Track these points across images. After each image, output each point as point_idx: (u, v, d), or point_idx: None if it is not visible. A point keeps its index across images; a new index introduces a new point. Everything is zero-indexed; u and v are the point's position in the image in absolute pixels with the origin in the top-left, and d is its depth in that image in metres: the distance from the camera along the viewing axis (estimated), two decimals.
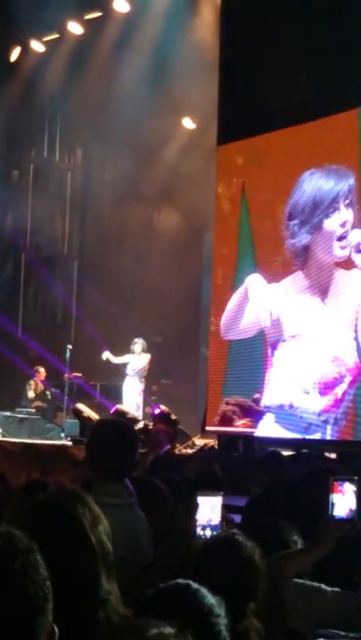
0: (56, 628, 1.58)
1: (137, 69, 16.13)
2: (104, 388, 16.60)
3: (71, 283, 19.70)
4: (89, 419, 13.38)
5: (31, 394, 16.56)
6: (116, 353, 15.65)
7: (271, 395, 11.67)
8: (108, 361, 15.60)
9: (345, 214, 11.07)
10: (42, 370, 16.88)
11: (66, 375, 16.02)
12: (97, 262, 19.49)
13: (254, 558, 2.86)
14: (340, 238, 11.04)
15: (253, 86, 12.34)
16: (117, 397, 15.36)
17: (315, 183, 11.36)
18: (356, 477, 3.57)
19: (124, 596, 2.33)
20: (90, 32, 17.12)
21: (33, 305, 19.60)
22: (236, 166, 12.73)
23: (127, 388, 15.30)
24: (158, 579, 2.87)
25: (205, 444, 12.73)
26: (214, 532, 3.20)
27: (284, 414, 11.46)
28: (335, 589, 3.39)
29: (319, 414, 11.07)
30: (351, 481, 3.54)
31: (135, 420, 12.96)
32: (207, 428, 12.75)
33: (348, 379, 10.84)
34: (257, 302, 12.00)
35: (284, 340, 11.66)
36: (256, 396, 11.90)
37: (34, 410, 15.87)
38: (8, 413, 15.41)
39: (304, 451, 10.00)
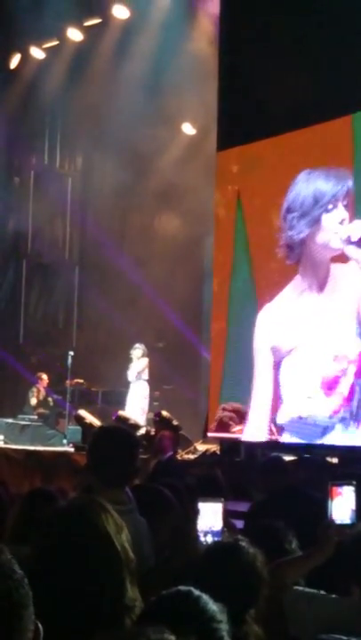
0: (40, 626, 1.59)
1: (137, 75, 16.15)
2: (106, 394, 16.60)
3: (72, 289, 19.71)
4: (91, 425, 13.36)
5: (34, 400, 16.55)
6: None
7: (280, 413, 11.62)
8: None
9: (343, 213, 11.08)
10: (44, 376, 16.88)
11: (68, 381, 16.02)
12: (98, 268, 19.50)
13: (256, 564, 2.86)
14: (338, 232, 11.06)
15: (252, 93, 12.35)
16: (119, 403, 15.35)
17: (315, 180, 11.36)
18: (354, 482, 3.56)
19: None
20: (89, 38, 17.15)
21: (34, 311, 19.60)
22: (232, 173, 12.76)
23: (132, 394, 15.29)
24: (160, 585, 2.87)
25: (207, 450, 12.71)
26: (215, 538, 3.19)
27: (297, 426, 11.41)
28: (334, 596, 3.39)
29: (331, 416, 11.05)
30: (350, 485, 3.53)
31: (137, 426, 12.95)
32: (208, 434, 12.74)
33: (352, 371, 10.82)
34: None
35: (283, 357, 11.64)
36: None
37: (36, 417, 15.87)
38: (10, 420, 15.41)
39: (306, 456, 9.98)
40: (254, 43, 12.34)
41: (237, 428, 12.03)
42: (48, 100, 18.13)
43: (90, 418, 13.94)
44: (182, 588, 2.12)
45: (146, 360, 15.34)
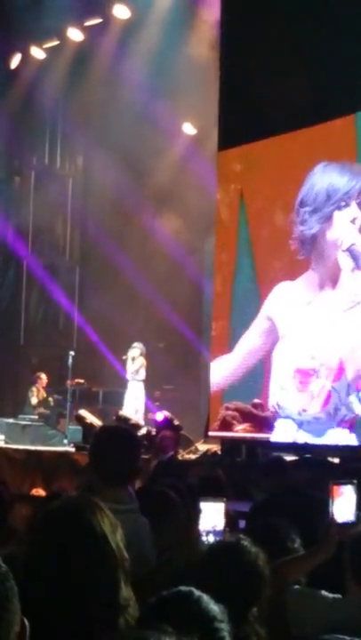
0: (26, 622, 1.60)
1: (137, 75, 16.14)
2: (107, 394, 16.60)
3: (73, 289, 19.71)
4: (92, 425, 13.36)
5: (34, 400, 16.56)
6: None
7: (269, 398, 11.72)
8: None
9: (355, 211, 11.03)
10: (43, 376, 16.88)
11: (68, 382, 16.03)
12: (99, 268, 19.50)
13: (258, 564, 2.86)
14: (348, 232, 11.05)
15: (252, 92, 12.35)
16: (120, 403, 15.36)
17: (330, 174, 11.28)
18: (355, 481, 3.55)
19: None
20: (90, 38, 17.14)
21: (35, 312, 19.60)
22: (235, 173, 12.74)
23: (127, 393, 15.32)
24: (161, 585, 2.86)
25: (208, 450, 12.71)
26: (217, 538, 3.18)
27: (280, 415, 11.49)
28: (336, 596, 3.38)
29: (299, 413, 11.14)
30: (351, 484, 3.53)
31: (138, 426, 12.95)
32: (209, 434, 12.74)
33: (325, 373, 10.87)
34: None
35: (276, 342, 11.70)
36: (256, 400, 11.90)
37: (36, 416, 15.87)
38: (11, 420, 15.41)
39: (307, 456, 9.98)
40: (255, 41, 12.33)
41: (240, 427, 12.03)
42: (49, 100, 18.13)
43: (90, 418, 13.94)
44: (183, 588, 2.12)
45: (142, 360, 15.33)
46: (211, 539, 3.19)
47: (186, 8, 15.61)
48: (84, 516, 2.27)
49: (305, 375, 11.12)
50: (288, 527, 3.85)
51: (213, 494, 3.52)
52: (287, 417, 11.40)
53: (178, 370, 17.70)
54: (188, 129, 18.07)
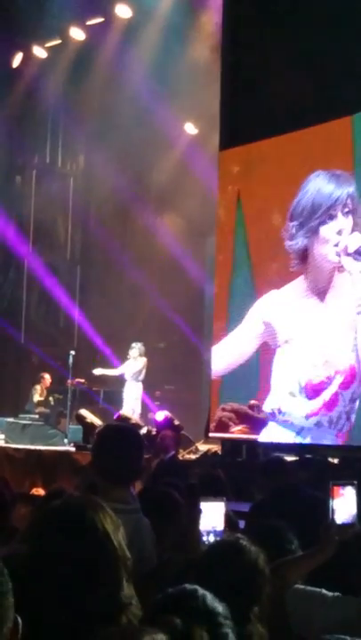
0: (19, 619, 1.60)
1: (139, 74, 16.15)
2: (107, 393, 16.60)
3: (74, 288, 19.71)
4: (92, 425, 13.36)
5: (36, 397, 16.57)
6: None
7: (266, 401, 11.70)
8: (103, 375, 15.66)
9: (342, 222, 11.05)
10: (47, 376, 16.90)
11: (69, 381, 16.03)
12: (99, 268, 19.52)
13: (258, 562, 2.86)
14: (336, 245, 11.04)
15: (254, 93, 12.38)
16: (120, 403, 15.36)
17: (316, 186, 11.34)
18: (355, 482, 3.56)
19: None
20: (92, 38, 17.14)
21: (36, 311, 19.60)
22: (232, 174, 12.75)
23: (125, 393, 15.32)
24: (162, 584, 2.87)
25: (209, 450, 12.72)
26: (217, 538, 3.19)
27: (277, 419, 11.49)
28: (336, 594, 3.39)
29: (307, 417, 11.11)
30: (351, 485, 3.53)
31: (138, 426, 12.94)
32: (210, 435, 12.74)
33: (338, 381, 10.84)
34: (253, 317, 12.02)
35: (278, 346, 11.68)
36: (252, 402, 11.90)
37: (37, 416, 15.87)
38: (11, 419, 15.40)
39: (308, 456, 9.98)
40: (257, 43, 12.36)
41: (237, 428, 12.03)
42: (50, 99, 18.15)
43: (91, 417, 13.93)
44: (188, 585, 2.13)
45: (144, 360, 15.32)
46: (211, 538, 3.20)
47: (188, 8, 15.62)
48: (86, 514, 2.28)
49: (319, 383, 11.09)
50: (286, 529, 3.85)
51: (214, 494, 3.53)
52: (285, 422, 11.39)
53: (179, 370, 17.71)
54: (190, 129, 18.08)
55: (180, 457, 11.88)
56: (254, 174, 12.32)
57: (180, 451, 12.31)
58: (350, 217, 11.00)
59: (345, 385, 10.78)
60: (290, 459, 8.48)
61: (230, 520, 3.93)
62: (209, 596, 2.09)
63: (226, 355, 12.36)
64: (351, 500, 3.52)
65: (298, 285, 11.53)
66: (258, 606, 2.77)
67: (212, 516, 3.26)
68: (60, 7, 15.76)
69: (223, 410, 12.21)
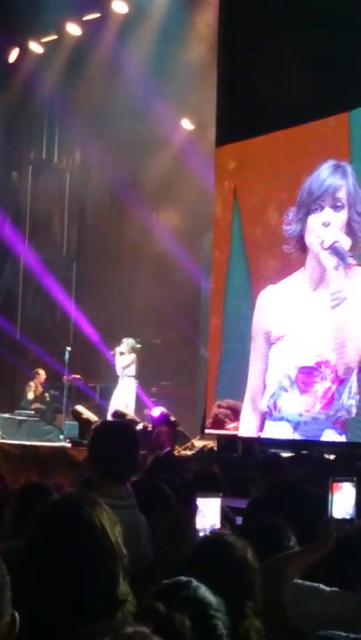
0: (17, 614, 1.60)
1: (135, 70, 16.12)
2: (103, 389, 16.58)
3: (70, 284, 19.69)
4: (88, 421, 13.37)
5: (31, 395, 16.56)
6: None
7: (263, 397, 11.71)
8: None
9: (328, 214, 11.06)
10: (42, 372, 16.89)
11: (65, 377, 16.02)
12: (96, 263, 19.49)
13: (247, 557, 2.85)
14: (318, 237, 11.09)
15: (250, 89, 12.36)
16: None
17: (318, 173, 11.29)
18: (355, 478, 3.58)
19: None
20: (88, 33, 17.11)
21: (32, 307, 19.58)
22: (229, 170, 12.74)
23: (117, 388, 15.32)
24: (158, 580, 2.85)
25: (205, 446, 12.72)
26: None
27: (273, 416, 11.51)
28: (334, 589, 3.39)
29: (300, 414, 11.13)
30: (350, 482, 3.55)
31: (134, 422, 12.94)
32: (206, 431, 12.74)
33: (331, 375, 10.85)
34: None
35: (273, 343, 11.69)
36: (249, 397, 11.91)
37: (33, 412, 15.86)
38: (7, 415, 15.40)
39: (304, 452, 9.98)
40: (253, 39, 12.34)
41: (232, 425, 12.03)
42: (46, 94, 18.12)
43: (87, 413, 13.95)
44: (183, 577, 2.14)
45: (132, 356, 15.30)
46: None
47: (184, 4, 15.59)
48: (83, 510, 2.28)
49: (309, 375, 11.07)
50: (283, 525, 3.85)
51: (209, 490, 3.52)
52: (282, 419, 11.39)
53: (175, 366, 17.71)
54: (187, 125, 18.06)
55: (175, 453, 11.87)
56: (251, 170, 12.31)
57: (176, 447, 12.32)
58: (343, 211, 10.98)
59: (338, 380, 10.80)
60: (286, 455, 8.47)
61: (227, 516, 3.92)
62: (203, 588, 2.10)
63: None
64: (350, 496, 3.54)
65: (296, 278, 11.52)
66: (252, 601, 2.76)
67: (207, 513, 3.25)
68: (56, 2, 15.72)
69: (219, 407, 12.21)
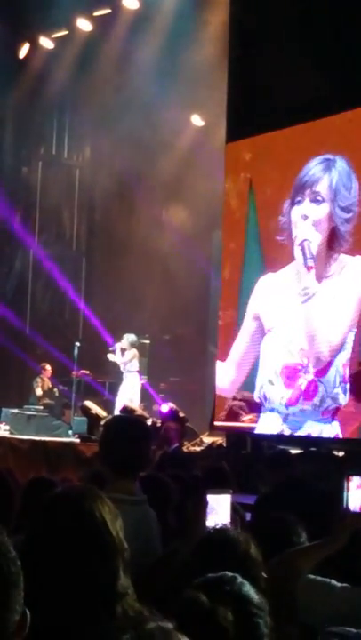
0: (28, 612, 1.60)
1: (146, 66, 16.11)
2: (112, 385, 16.59)
3: (79, 279, 19.71)
4: (97, 416, 13.38)
5: (39, 391, 16.57)
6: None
7: (255, 388, 11.83)
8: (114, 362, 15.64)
9: (306, 207, 11.17)
10: (48, 367, 16.90)
11: (74, 372, 16.03)
12: (105, 259, 19.51)
13: (250, 551, 2.84)
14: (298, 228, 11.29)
15: (262, 84, 12.30)
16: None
17: (307, 166, 11.40)
18: None
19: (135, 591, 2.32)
20: (99, 29, 17.11)
21: (41, 302, 19.60)
22: (245, 162, 12.68)
23: (123, 384, 15.35)
24: (168, 576, 2.86)
25: (213, 442, 12.72)
26: None
27: (265, 407, 11.63)
28: (345, 585, 3.39)
29: (286, 406, 11.26)
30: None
31: (143, 418, 12.96)
32: (215, 423, 12.72)
33: (311, 369, 10.99)
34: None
35: (265, 334, 11.82)
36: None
37: (42, 407, 15.88)
38: (16, 410, 15.42)
39: (313, 449, 9.98)
40: (265, 33, 12.28)
41: (247, 417, 12.01)
42: (57, 90, 18.11)
43: (96, 409, 13.96)
44: (228, 573, 2.14)
45: (133, 351, 15.31)
46: None
47: (195, 0, 15.58)
48: (84, 502, 2.29)
49: (292, 372, 11.21)
50: (294, 521, 3.85)
51: (218, 486, 3.53)
52: (272, 410, 11.49)
53: (183, 362, 17.71)
54: (197, 120, 18.05)
55: (184, 449, 11.89)
56: (266, 162, 12.24)
57: (185, 443, 12.32)
58: (323, 205, 11.04)
59: (321, 372, 10.87)
60: (295, 451, 8.47)
61: (237, 512, 3.93)
62: (247, 586, 2.10)
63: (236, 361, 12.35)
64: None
65: (288, 269, 11.61)
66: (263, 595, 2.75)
67: (218, 509, 3.26)
68: None
69: (234, 399, 12.20)
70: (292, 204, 11.42)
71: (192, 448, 12.63)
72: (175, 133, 17.47)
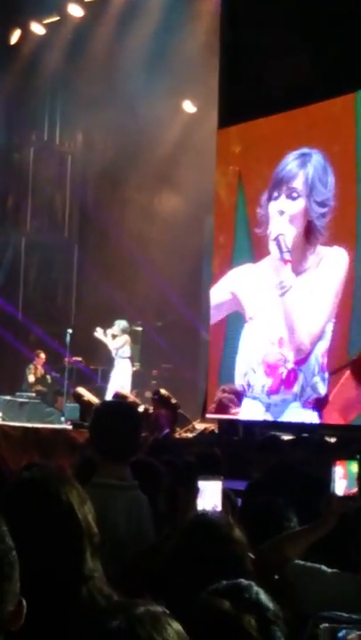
0: (24, 602, 1.60)
1: (137, 52, 16.05)
2: (105, 372, 16.60)
3: (72, 267, 19.69)
4: (89, 403, 13.37)
5: (31, 378, 16.57)
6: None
7: (238, 376, 11.93)
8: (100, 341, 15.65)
9: (283, 203, 11.33)
10: (42, 354, 16.89)
11: (66, 359, 16.03)
12: (97, 246, 19.48)
13: (232, 533, 2.84)
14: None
15: (253, 70, 12.28)
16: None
17: (284, 161, 11.46)
18: (358, 456, 3.62)
19: (125, 576, 2.33)
20: (90, 14, 17.03)
21: (33, 289, 19.58)
22: (234, 154, 12.66)
23: (114, 370, 15.36)
24: (160, 561, 2.87)
25: (206, 429, 12.74)
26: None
27: (247, 395, 11.76)
28: (335, 570, 3.41)
29: (268, 395, 11.41)
30: (354, 460, 3.59)
31: (135, 404, 12.96)
32: (207, 416, 12.76)
33: (291, 358, 11.15)
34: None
35: (246, 322, 11.93)
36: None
37: (34, 394, 15.88)
38: (8, 397, 15.42)
39: (304, 435, 10.00)
40: (256, 18, 12.24)
41: (236, 410, 12.05)
42: (48, 76, 18.05)
43: (88, 395, 13.95)
44: (243, 581, 2.15)
45: (125, 337, 15.32)
46: None
47: None
48: (50, 485, 2.31)
49: (273, 360, 11.37)
50: (285, 506, 3.87)
51: (210, 472, 3.54)
52: (255, 398, 11.57)
53: (176, 348, 17.72)
54: (188, 106, 18.01)
55: (177, 435, 11.91)
56: (255, 154, 12.24)
57: (177, 429, 12.34)
58: (299, 200, 11.14)
59: (301, 361, 10.97)
60: (286, 437, 8.50)
61: (229, 498, 3.94)
62: (263, 594, 2.11)
63: None
64: (352, 474, 3.57)
65: (267, 261, 11.67)
66: (244, 577, 2.76)
67: (209, 495, 3.27)
68: None
69: (223, 391, 12.22)
70: (270, 198, 11.49)
71: (184, 434, 12.65)
72: (167, 120, 17.43)
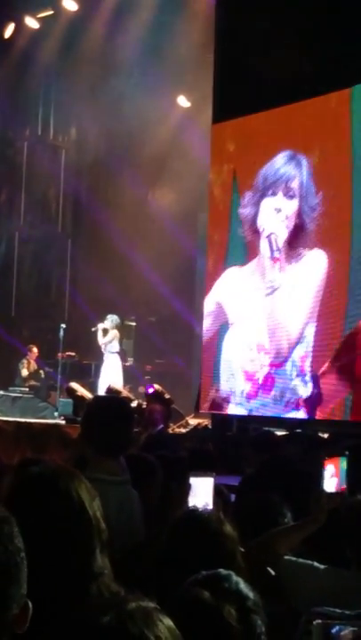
0: (30, 604, 1.58)
1: (132, 46, 16.02)
2: (98, 367, 16.59)
3: (65, 261, 19.67)
4: (82, 398, 13.36)
5: (24, 372, 16.56)
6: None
7: (223, 383, 12.05)
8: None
9: (280, 201, 11.33)
10: (34, 349, 16.89)
11: (59, 354, 16.02)
12: (91, 240, 19.45)
13: (222, 528, 2.83)
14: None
15: (248, 65, 12.24)
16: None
17: (274, 161, 11.46)
18: (347, 453, 3.63)
19: (115, 572, 2.32)
20: (85, 8, 16.99)
21: (27, 283, 19.55)
22: (228, 152, 12.62)
23: (103, 365, 15.38)
24: (151, 557, 2.86)
25: (199, 424, 12.73)
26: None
27: (231, 400, 11.86)
28: (327, 567, 3.41)
29: (248, 399, 11.54)
30: (342, 456, 3.61)
31: (128, 399, 12.95)
32: (201, 411, 12.77)
33: (267, 362, 11.24)
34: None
35: (229, 327, 12.04)
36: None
37: (27, 389, 15.87)
38: (1, 392, 15.41)
39: (297, 430, 10.00)
40: (251, 13, 12.22)
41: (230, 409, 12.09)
42: (42, 70, 18.01)
43: (81, 390, 13.93)
44: (223, 571, 2.14)
45: (114, 332, 15.33)
46: None
47: None
48: (60, 481, 2.29)
49: (251, 362, 11.54)
50: (279, 501, 3.86)
51: (203, 468, 3.53)
52: (238, 403, 11.67)
53: (169, 344, 17.72)
54: (183, 101, 17.99)
55: (170, 431, 11.89)
56: (250, 152, 12.20)
57: (171, 424, 12.33)
58: (295, 200, 11.17)
59: (276, 365, 11.05)
60: (280, 433, 8.50)
61: (222, 494, 3.93)
62: (242, 583, 2.11)
63: None
64: (341, 470, 3.58)
65: (253, 263, 11.69)
66: (234, 571, 2.75)
67: (201, 491, 3.26)
68: None
69: (217, 391, 12.22)
70: (263, 196, 11.47)
71: (178, 430, 12.65)
72: (162, 114, 17.40)
